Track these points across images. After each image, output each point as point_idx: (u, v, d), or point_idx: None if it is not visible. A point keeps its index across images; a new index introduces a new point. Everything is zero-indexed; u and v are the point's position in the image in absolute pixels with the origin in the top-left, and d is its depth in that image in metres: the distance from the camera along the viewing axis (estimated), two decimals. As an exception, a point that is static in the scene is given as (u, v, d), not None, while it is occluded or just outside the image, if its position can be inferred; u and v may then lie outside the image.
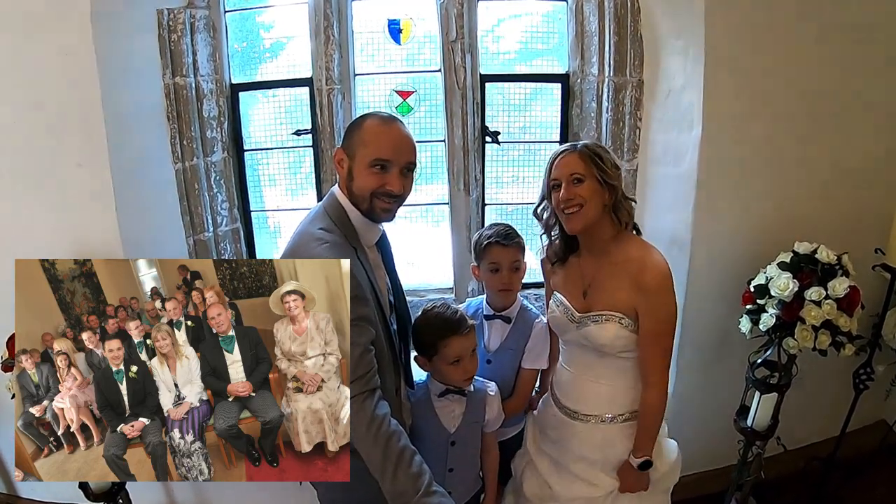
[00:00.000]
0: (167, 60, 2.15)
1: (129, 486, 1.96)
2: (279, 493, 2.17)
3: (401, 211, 1.52)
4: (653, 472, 1.68)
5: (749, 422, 2.04)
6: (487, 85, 2.40)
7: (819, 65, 1.97)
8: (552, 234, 1.71)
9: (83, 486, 1.82)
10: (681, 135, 2.07)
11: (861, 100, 2.04)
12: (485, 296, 1.90)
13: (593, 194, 1.55)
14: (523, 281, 1.87)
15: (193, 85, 2.23)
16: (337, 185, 1.51)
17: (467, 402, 1.74)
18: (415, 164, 1.49)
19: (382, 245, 1.60)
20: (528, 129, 2.52)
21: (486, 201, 2.57)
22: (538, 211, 1.69)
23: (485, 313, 1.87)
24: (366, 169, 1.42)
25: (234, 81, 2.37)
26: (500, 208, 2.62)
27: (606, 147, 1.69)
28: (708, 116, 1.95)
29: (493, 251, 1.77)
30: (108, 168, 1.89)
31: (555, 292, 1.75)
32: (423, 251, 2.67)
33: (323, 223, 1.45)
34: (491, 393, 1.78)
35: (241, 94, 2.39)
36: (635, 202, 1.68)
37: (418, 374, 1.78)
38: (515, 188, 2.59)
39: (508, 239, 1.77)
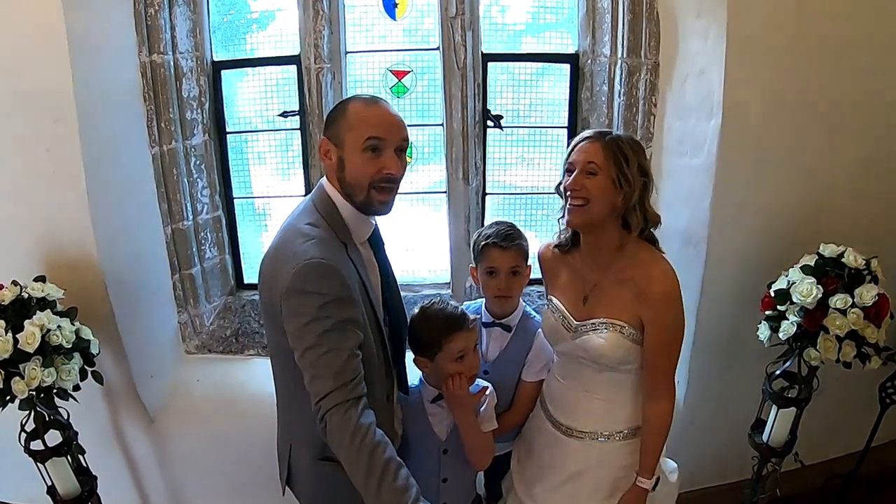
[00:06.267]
0: (143, 36, 2.10)
1: (101, 490, 1.98)
2: (261, 499, 2.18)
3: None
4: (651, 497, 1.66)
5: (765, 437, 2.02)
6: (490, 65, 2.34)
7: (851, 51, 1.89)
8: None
9: (51, 493, 1.83)
10: (699, 123, 2.02)
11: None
12: (483, 300, 1.86)
13: (603, 193, 1.49)
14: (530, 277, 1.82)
15: (172, 63, 2.18)
16: (325, 177, 1.49)
17: (460, 408, 1.73)
18: (408, 143, 1.48)
19: (375, 240, 1.57)
20: (533, 108, 2.46)
21: (488, 190, 2.52)
22: (560, 187, 1.62)
23: (483, 320, 1.82)
24: (359, 154, 1.40)
25: (216, 59, 2.32)
26: (503, 198, 2.57)
27: (642, 145, 1.60)
28: (729, 104, 1.90)
29: (490, 253, 1.72)
30: (80, 153, 1.86)
31: (552, 298, 1.72)
32: (419, 241, 2.63)
33: (311, 218, 1.43)
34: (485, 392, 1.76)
35: (224, 73, 2.34)
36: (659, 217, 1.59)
37: (413, 377, 1.76)
38: (519, 172, 2.54)
39: (508, 240, 1.71)
